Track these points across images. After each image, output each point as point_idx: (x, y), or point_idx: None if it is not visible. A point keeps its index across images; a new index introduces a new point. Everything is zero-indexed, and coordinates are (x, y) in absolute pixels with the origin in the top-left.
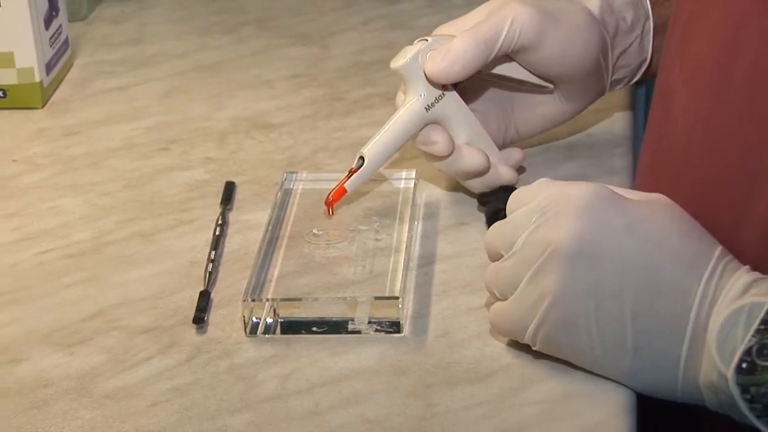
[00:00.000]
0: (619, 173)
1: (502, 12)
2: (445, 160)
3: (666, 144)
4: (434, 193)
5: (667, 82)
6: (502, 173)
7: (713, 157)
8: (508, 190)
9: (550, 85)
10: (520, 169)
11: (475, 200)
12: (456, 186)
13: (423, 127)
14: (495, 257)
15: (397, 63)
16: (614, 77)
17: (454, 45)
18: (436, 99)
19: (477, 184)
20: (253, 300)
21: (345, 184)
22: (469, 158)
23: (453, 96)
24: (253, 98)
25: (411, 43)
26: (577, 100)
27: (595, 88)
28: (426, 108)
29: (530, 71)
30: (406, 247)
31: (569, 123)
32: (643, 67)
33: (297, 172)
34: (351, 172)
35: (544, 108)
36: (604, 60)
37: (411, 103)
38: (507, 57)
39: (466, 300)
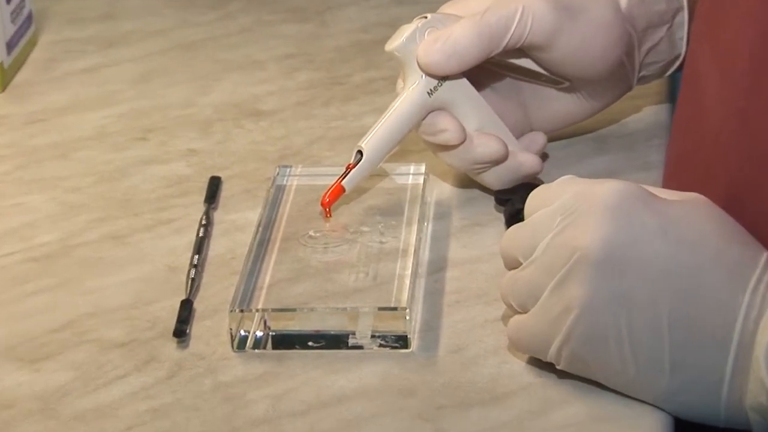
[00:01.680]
0: (655, 168)
1: (514, 3)
2: (455, 150)
3: (696, 138)
4: (446, 190)
5: (696, 67)
6: (524, 162)
7: (750, 154)
8: (529, 187)
9: (566, 82)
10: (543, 157)
11: (492, 198)
12: (470, 182)
13: (427, 115)
14: (512, 264)
15: (392, 44)
16: (642, 74)
17: (453, 35)
18: (440, 82)
19: (494, 179)
20: (242, 310)
21: (342, 182)
22: (484, 146)
23: (458, 78)
24: (242, 82)
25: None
26: (598, 98)
27: (618, 86)
28: (429, 93)
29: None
30: (415, 251)
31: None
32: (677, 63)
33: (291, 166)
34: (348, 169)
35: (560, 104)
36: (628, 60)
37: (411, 89)
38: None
39: (481, 311)
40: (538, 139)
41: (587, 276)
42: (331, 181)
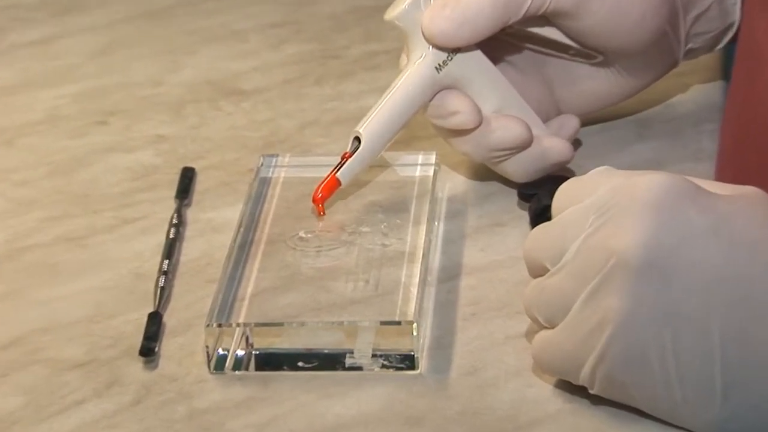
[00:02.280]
0: (706, 158)
1: None
2: (470, 135)
3: (753, 121)
4: (460, 183)
5: (753, 38)
6: (552, 149)
7: None
8: (558, 179)
9: (599, 55)
10: (574, 145)
11: (515, 193)
12: (489, 174)
13: (435, 94)
14: (538, 271)
15: (392, 12)
16: (689, 46)
17: (464, 0)
18: (449, 55)
19: (517, 170)
20: (220, 325)
21: (337, 175)
22: (503, 130)
23: (471, 50)
24: (219, 56)
25: None
26: (638, 75)
27: (661, 61)
28: (437, 68)
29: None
30: (423, 255)
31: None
32: (730, 33)
33: (277, 156)
34: (344, 158)
35: (592, 83)
36: (672, 29)
37: (417, 64)
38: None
39: (501, 326)
40: (570, 122)
41: (625, 284)
42: (325, 172)
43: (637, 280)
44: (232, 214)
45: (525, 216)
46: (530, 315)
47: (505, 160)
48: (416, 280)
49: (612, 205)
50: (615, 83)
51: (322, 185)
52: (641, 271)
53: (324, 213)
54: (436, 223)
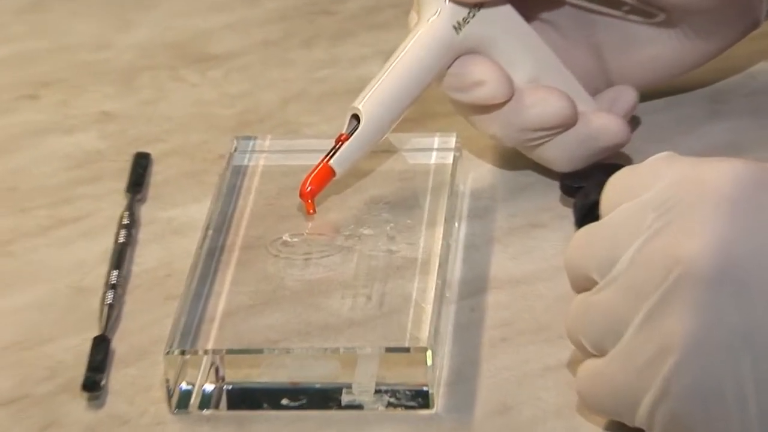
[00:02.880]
0: None
1: None
2: (498, 112)
3: None
4: (487, 173)
5: None
6: (602, 129)
7: None
8: (610, 169)
9: (660, 13)
10: (631, 124)
11: (556, 186)
12: (523, 161)
13: (454, 60)
14: (584, 284)
15: None
16: None
17: None
18: (471, 11)
19: (558, 156)
20: (183, 353)
21: (330, 162)
22: (541, 104)
23: (499, 4)
24: (181, 11)
25: None
26: (710, 38)
27: (740, 21)
28: (455, 27)
29: None
30: (440, 264)
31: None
32: None
33: (255, 138)
34: (339, 142)
35: (653, 48)
36: None
37: (430, 22)
38: None
39: (538, 354)
40: (625, 96)
41: (693, 301)
42: (315, 160)
43: (708, 295)
44: (198, 212)
45: (568, 215)
46: (574, 340)
47: (544, 143)
48: (431, 295)
49: (676, 201)
50: (681, 48)
51: (312, 176)
52: (713, 283)
53: (314, 211)
54: (456, 224)
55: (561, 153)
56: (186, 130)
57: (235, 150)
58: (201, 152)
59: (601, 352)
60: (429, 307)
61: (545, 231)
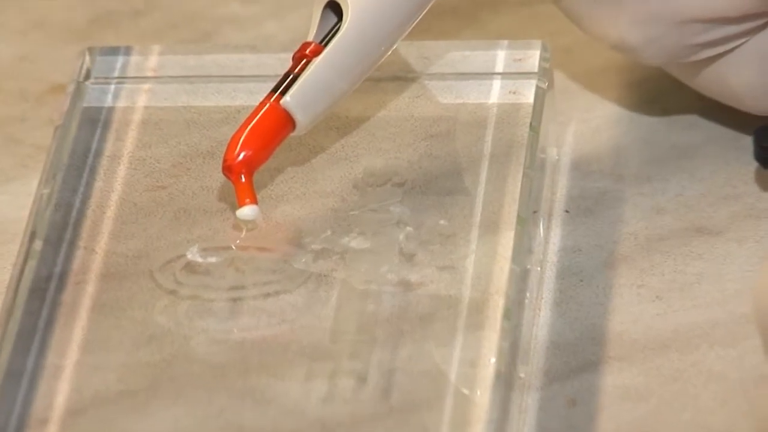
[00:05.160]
0: None
1: None
2: None
3: None
4: (603, 124)
5: None
6: None
7: None
8: None
9: None
10: None
11: (745, 150)
12: (674, 100)
13: None
14: None
15: None
16: None
17: None
18: None
19: (751, 81)
20: None
21: (283, 101)
22: None
23: None
24: None
25: None
26: None
27: None
28: None
29: None
30: (509, 310)
31: None
32: None
33: (129, 49)
34: (303, 60)
35: None
36: None
37: None
38: None
39: None
40: None
41: None
42: (252, 98)
43: None
44: (10, 204)
45: (764, 205)
46: None
47: (722, 57)
48: (488, 373)
49: None
50: None
51: (248, 130)
52: None
53: (252, 200)
54: (540, 228)
55: (757, 76)
56: None
57: (87, 74)
58: (16, 81)
59: None
60: (483, 399)
61: (719, 243)
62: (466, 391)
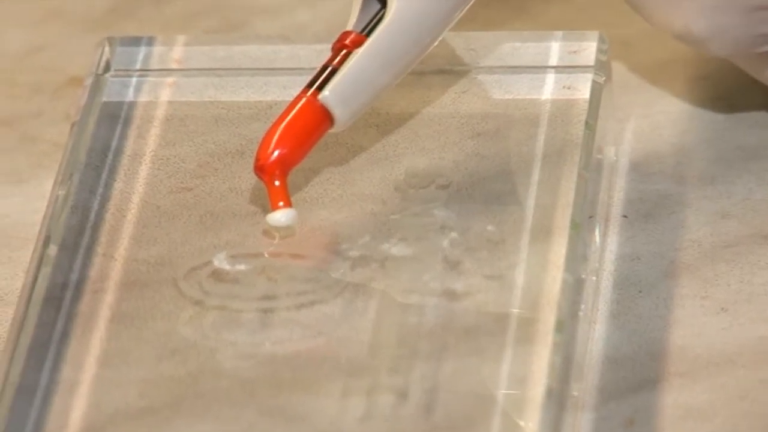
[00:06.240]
0: None
1: None
2: None
3: None
4: (666, 122)
5: None
6: None
7: None
8: None
9: None
10: None
11: None
12: (742, 96)
13: None
14: None
15: None
16: None
17: None
18: None
19: None
20: None
21: (321, 96)
22: None
23: None
24: None
25: None
26: None
27: None
28: None
29: None
30: (561, 324)
31: None
32: None
33: (152, 40)
34: (343, 52)
35: None
36: None
37: None
38: None
39: None
40: None
41: None
42: (287, 93)
43: None
44: (23, 206)
45: None
46: None
47: None
48: (539, 392)
49: None
50: None
51: (282, 128)
52: None
53: (287, 203)
54: (597, 236)
55: None
56: None
57: (107, 67)
58: (31, 74)
59: None
60: (533, 418)
61: None
62: (514, 411)
